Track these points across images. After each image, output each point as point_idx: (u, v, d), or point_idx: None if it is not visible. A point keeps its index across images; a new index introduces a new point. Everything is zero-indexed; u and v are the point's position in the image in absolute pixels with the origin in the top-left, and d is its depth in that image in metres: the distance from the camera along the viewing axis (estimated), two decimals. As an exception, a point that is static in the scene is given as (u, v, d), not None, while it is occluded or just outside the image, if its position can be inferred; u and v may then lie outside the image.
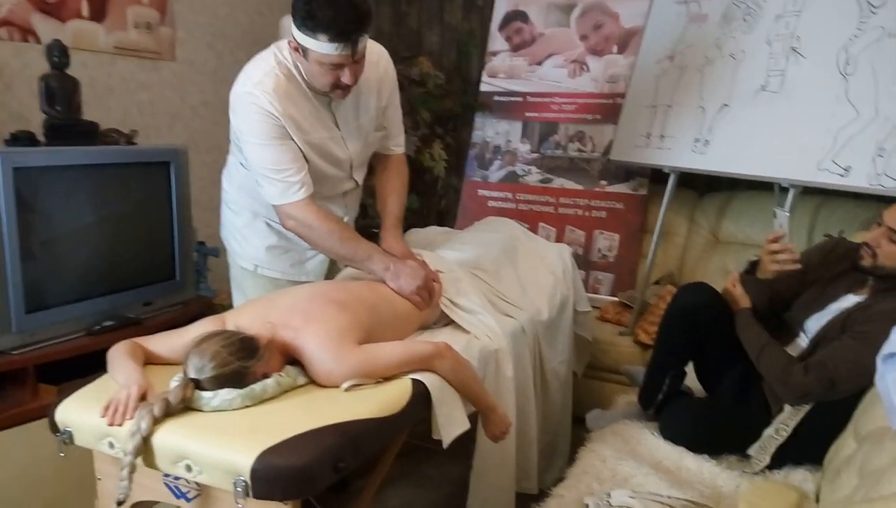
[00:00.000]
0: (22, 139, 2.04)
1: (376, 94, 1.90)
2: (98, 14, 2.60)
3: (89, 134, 2.23)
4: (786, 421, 1.75)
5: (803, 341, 1.89)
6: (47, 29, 2.41)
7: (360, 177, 2.02)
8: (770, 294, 1.95)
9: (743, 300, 1.92)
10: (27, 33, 2.37)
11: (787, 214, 1.89)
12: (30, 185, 1.94)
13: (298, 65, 1.73)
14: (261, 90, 1.70)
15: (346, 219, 2.02)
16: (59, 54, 2.14)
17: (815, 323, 1.86)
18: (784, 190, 2.39)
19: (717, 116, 2.65)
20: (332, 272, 2.09)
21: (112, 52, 2.66)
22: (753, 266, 1.99)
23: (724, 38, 2.70)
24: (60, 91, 2.14)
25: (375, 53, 1.88)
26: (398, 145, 2.04)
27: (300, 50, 1.66)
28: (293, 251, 2.00)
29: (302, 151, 1.79)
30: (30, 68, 2.36)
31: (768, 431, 1.78)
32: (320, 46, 1.61)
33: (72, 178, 2.08)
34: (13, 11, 2.32)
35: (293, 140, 1.76)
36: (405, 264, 1.83)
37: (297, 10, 1.62)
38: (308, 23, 1.60)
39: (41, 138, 2.12)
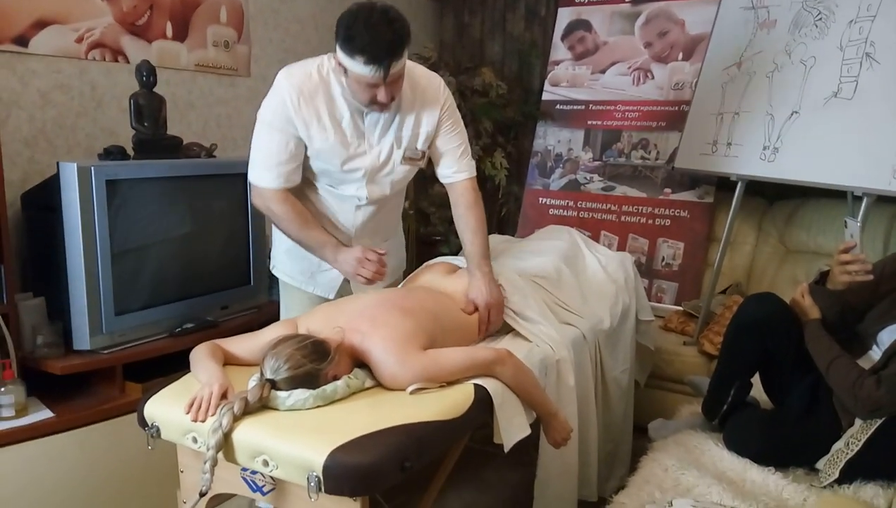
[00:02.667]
0: (114, 153, 2.20)
1: (414, 118, 1.91)
2: (181, 34, 2.76)
3: (174, 147, 2.38)
4: (856, 435, 1.71)
5: (876, 354, 1.83)
6: (135, 49, 2.58)
7: (376, 194, 1.97)
8: (841, 305, 1.90)
9: (812, 311, 1.88)
10: (117, 54, 2.54)
11: (859, 224, 1.83)
12: (120, 196, 2.09)
13: (341, 78, 1.80)
14: (288, 83, 1.81)
15: (353, 233, 2.01)
16: (147, 74, 2.30)
17: (889, 335, 1.80)
18: (857, 198, 2.32)
19: (786, 124, 2.60)
20: (344, 290, 2.06)
21: (193, 70, 2.82)
22: (824, 276, 1.94)
23: (794, 44, 2.65)
24: (148, 108, 2.30)
25: (425, 80, 1.92)
26: (460, 171, 2.00)
27: (341, 66, 1.75)
28: (306, 260, 2.02)
29: (307, 150, 1.85)
30: (119, 87, 2.53)
31: (838, 445, 1.74)
32: (356, 67, 1.69)
33: (158, 190, 2.23)
34: (105, 34, 2.49)
35: (298, 136, 1.83)
36: (349, 252, 1.89)
37: (339, 30, 1.70)
38: (347, 45, 1.68)
39: (130, 152, 2.28)
